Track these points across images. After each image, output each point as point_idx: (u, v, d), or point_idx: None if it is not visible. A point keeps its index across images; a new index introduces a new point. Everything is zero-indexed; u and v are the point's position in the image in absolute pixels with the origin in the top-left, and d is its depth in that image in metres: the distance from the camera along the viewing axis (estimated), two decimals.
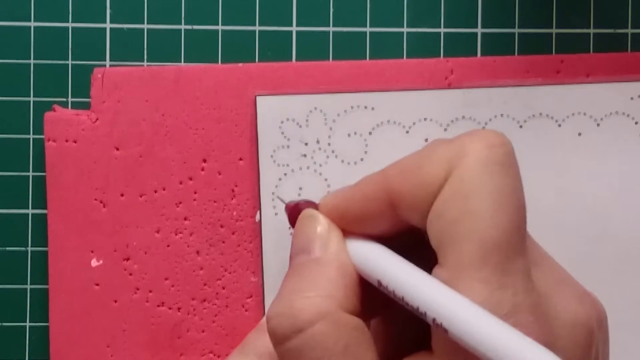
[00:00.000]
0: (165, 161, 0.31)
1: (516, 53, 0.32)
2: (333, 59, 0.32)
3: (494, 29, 0.32)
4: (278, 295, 0.21)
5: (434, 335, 0.20)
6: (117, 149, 0.31)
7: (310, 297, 0.20)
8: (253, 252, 0.31)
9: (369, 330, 0.21)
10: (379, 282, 0.21)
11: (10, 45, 0.32)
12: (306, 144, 0.31)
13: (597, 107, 0.31)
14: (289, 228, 0.31)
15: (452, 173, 0.19)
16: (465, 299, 0.18)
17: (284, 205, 0.29)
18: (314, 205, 0.24)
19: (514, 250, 0.19)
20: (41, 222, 0.32)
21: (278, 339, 0.21)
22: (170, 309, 0.31)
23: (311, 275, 0.21)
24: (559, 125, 0.31)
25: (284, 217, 0.31)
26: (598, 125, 0.31)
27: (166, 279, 0.31)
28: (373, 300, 0.22)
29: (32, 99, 0.32)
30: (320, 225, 0.23)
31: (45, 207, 0.31)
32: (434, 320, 0.19)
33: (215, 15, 0.32)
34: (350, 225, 0.22)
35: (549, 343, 0.18)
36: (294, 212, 0.26)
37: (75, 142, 0.31)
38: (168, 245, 0.31)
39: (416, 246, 0.22)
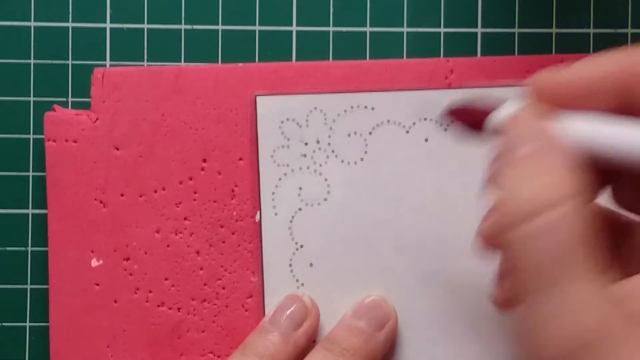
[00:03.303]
0: (165, 161, 0.31)
1: (516, 53, 0.32)
2: (333, 59, 0.32)
3: (494, 29, 0.32)
4: (498, 189, 0.19)
5: None
6: (117, 149, 0.31)
7: (548, 180, 0.18)
8: (253, 252, 0.31)
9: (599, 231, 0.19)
10: (615, 151, 0.19)
11: (10, 45, 0.32)
12: (306, 144, 0.31)
13: None
14: (289, 229, 0.31)
15: None
16: None
17: (448, 111, 0.24)
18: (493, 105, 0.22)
19: None
20: (41, 222, 0.32)
21: (507, 223, 0.19)
22: (170, 309, 0.31)
23: (543, 162, 0.19)
24: None
25: (284, 217, 0.31)
26: None
27: (166, 279, 0.31)
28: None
29: (32, 99, 0.32)
30: (537, 119, 0.20)
31: (45, 207, 0.31)
32: None
33: (215, 15, 0.32)
34: (568, 102, 0.21)
35: None
36: (464, 114, 0.23)
37: (75, 142, 0.31)
38: (168, 245, 0.31)
39: None
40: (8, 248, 0.32)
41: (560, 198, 0.18)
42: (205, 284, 0.31)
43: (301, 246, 0.31)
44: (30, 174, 0.32)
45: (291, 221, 0.31)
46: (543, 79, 0.21)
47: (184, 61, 0.32)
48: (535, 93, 0.21)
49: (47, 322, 0.31)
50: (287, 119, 0.31)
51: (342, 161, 0.31)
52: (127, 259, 0.31)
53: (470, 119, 0.23)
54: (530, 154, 0.19)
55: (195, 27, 0.32)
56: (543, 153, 0.19)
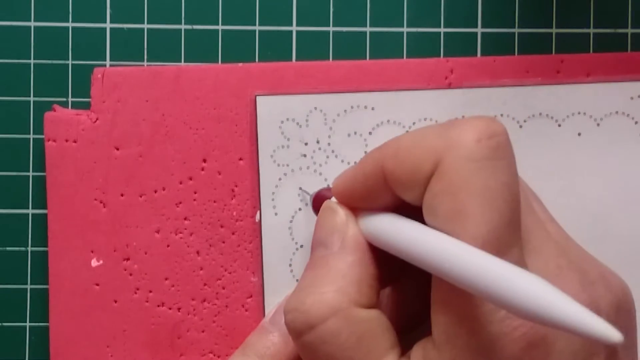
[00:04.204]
0: (165, 161, 0.31)
1: (516, 53, 0.32)
2: (333, 59, 0.32)
3: (494, 29, 0.32)
4: (295, 289, 0.22)
5: (434, 322, 0.20)
6: (117, 149, 0.31)
7: (323, 293, 0.21)
8: (253, 252, 0.31)
9: (385, 318, 0.21)
10: (393, 248, 0.21)
11: (10, 45, 0.32)
12: (306, 144, 0.31)
13: (597, 107, 0.31)
14: (289, 228, 0.31)
15: (440, 165, 0.19)
16: (464, 244, 0.18)
17: (308, 197, 0.29)
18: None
19: (505, 244, 0.19)
20: (41, 222, 0.32)
21: (294, 334, 0.21)
22: (170, 309, 0.31)
23: (326, 270, 0.22)
24: (559, 125, 0.31)
25: (284, 217, 0.31)
26: (598, 125, 0.31)
27: (166, 279, 0.31)
28: (386, 271, 0.22)
29: (32, 99, 0.32)
30: (338, 218, 0.23)
31: (45, 207, 0.31)
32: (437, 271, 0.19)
33: (215, 15, 0.32)
34: (360, 202, 0.23)
35: (544, 332, 0.18)
36: (315, 201, 0.26)
37: (75, 142, 0.31)
38: (168, 245, 0.31)
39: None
40: (8, 248, 0.32)
41: (335, 310, 0.20)
42: (205, 284, 0.31)
43: (301, 246, 0.31)
44: (30, 174, 0.32)
45: (291, 221, 0.31)
46: (335, 183, 0.23)
47: (184, 61, 0.32)
48: (335, 196, 0.23)
49: (47, 322, 0.31)
50: (287, 119, 0.31)
51: (342, 161, 0.31)
52: (127, 259, 0.31)
53: (316, 206, 0.26)
54: (323, 258, 0.22)
55: (195, 27, 0.32)
56: (333, 260, 0.22)
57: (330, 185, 0.29)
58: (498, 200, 0.19)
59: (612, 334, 0.15)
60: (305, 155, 0.31)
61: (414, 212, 0.21)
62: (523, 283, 0.16)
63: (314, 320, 0.20)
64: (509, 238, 0.19)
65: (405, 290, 0.24)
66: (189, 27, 0.32)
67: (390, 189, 0.21)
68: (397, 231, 0.21)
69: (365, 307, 0.21)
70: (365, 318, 0.21)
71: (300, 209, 0.31)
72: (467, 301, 0.19)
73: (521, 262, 0.19)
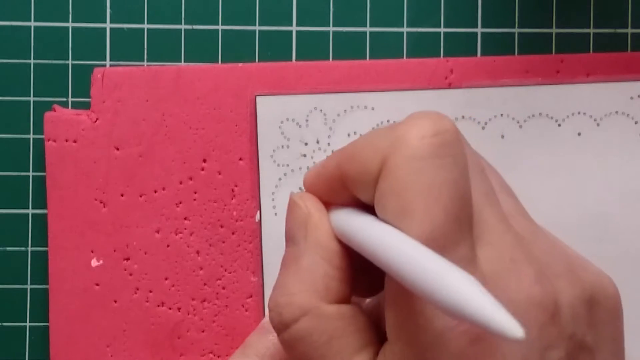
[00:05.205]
0: (165, 161, 0.31)
1: (516, 53, 0.32)
2: (333, 59, 0.32)
3: (494, 29, 0.32)
4: (273, 286, 0.22)
5: (386, 319, 0.20)
6: (117, 149, 0.31)
7: (293, 294, 0.21)
8: (253, 252, 0.31)
9: (362, 316, 0.21)
10: (349, 242, 0.21)
11: (10, 45, 0.32)
12: (306, 144, 0.31)
13: (597, 107, 0.31)
14: None
15: (385, 165, 0.19)
16: (409, 239, 0.18)
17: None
18: None
19: (451, 241, 0.19)
20: (41, 222, 0.32)
21: (275, 331, 0.21)
22: (170, 309, 0.31)
23: (294, 268, 0.22)
24: (559, 125, 0.31)
25: (284, 217, 0.31)
26: (598, 125, 0.31)
27: (166, 279, 0.31)
28: (376, 274, 0.22)
29: (32, 99, 0.32)
30: (300, 211, 0.23)
31: (45, 207, 0.31)
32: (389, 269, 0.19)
33: (215, 15, 0.32)
34: (328, 198, 0.22)
35: None
36: None
37: (75, 142, 0.31)
38: (168, 245, 0.31)
39: None
40: (8, 248, 0.32)
41: (305, 311, 0.21)
42: (205, 284, 0.31)
43: None
44: (30, 174, 0.32)
45: None
46: (304, 178, 0.23)
47: (184, 61, 0.32)
48: (306, 190, 0.23)
49: (47, 322, 0.31)
50: (287, 119, 0.31)
51: None
52: (127, 259, 0.31)
53: None
54: (291, 255, 0.22)
55: (195, 27, 0.32)
56: (300, 257, 0.22)
57: None
58: (443, 197, 0.19)
59: (512, 329, 0.14)
60: (305, 155, 0.31)
61: None
62: (440, 274, 0.16)
63: (287, 320, 0.21)
64: (455, 235, 0.19)
65: None
66: (189, 27, 0.32)
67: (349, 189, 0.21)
68: (350, 224, 0.21)
69: (334, 302, 0.21)
70: (335, 315, 0.21)
71: None
72: (413, 297, 0.19)
73: (470, 257, 0.19)
